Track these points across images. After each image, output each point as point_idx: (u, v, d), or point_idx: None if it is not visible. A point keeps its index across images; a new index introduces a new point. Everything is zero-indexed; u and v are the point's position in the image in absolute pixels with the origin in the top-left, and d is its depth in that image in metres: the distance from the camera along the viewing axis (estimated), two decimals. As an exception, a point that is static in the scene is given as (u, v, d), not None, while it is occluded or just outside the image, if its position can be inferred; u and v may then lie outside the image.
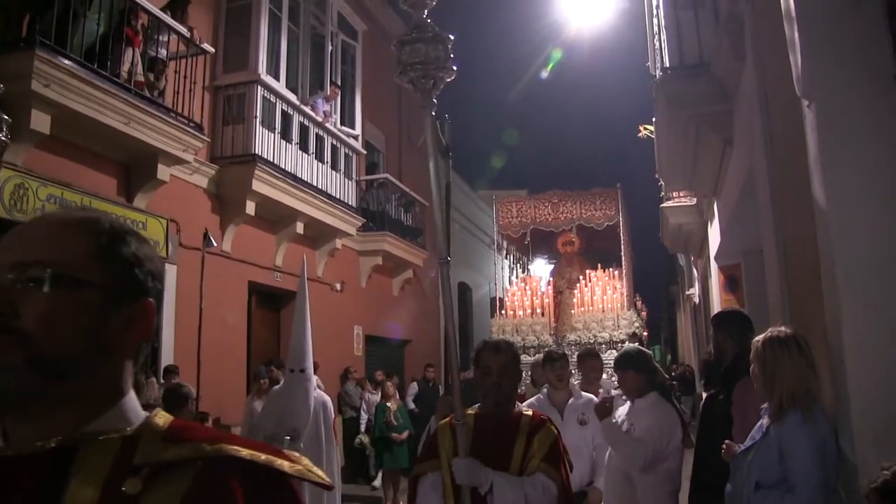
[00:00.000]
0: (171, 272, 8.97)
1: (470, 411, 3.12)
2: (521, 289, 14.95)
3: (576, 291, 14.39)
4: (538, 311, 14.24)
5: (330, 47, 12.06)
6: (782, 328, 3.30)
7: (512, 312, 14.32)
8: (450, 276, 2.87)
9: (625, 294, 14.05)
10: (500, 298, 15.17)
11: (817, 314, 3.34)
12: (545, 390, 5.23)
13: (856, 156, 3.05)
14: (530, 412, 3.14)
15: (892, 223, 2.94)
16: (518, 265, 18.05)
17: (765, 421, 3.19)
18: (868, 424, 2.82)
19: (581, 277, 14.54)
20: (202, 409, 8.07)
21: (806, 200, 3.39)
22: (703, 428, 4.31)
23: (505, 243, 16.60)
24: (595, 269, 14.79)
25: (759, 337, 3.24)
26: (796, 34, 3.32)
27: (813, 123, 3.23)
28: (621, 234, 14.51)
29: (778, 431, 3.04)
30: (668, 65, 6.40)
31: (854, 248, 2.99)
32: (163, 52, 8.56)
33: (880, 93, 3.03)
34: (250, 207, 10.13)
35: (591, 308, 13.77)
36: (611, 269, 14.65)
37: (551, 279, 16.29)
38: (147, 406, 1.12)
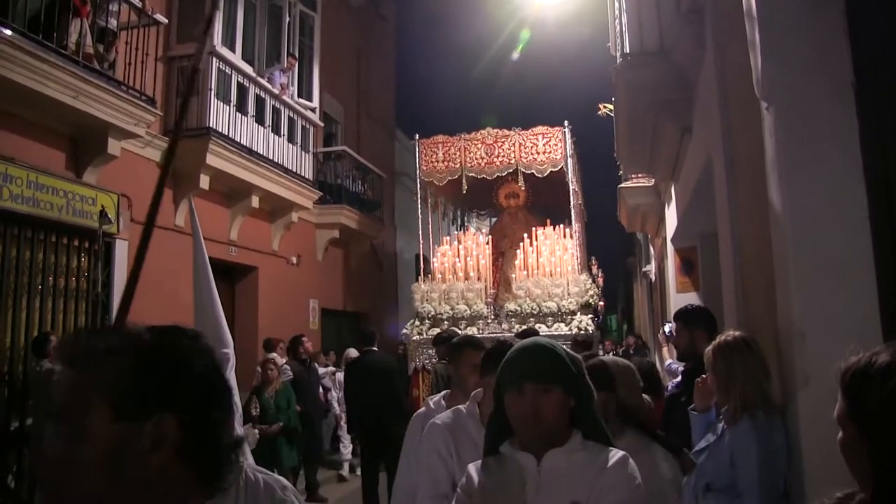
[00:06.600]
0: (121, 248, 8.78)
1: None
2: (452, 248, 12.36)
3: (518, 252, 12.02)
4: (472, 274, 11.74)
5: (288, 18, 11.80)
6: (731, 332, 3.33)
7: (441, 276, 11.81)
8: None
9: (577, 256, 11.85)
10: (423, 257, 12.69)
11: (769, 309, 3.36)
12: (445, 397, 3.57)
13: (813, 161, 3.04)
14: None
15: (847, 229, 2.95)
16: (454, 223, 15.29)
17: (722, 424, 3.23)
18: (817, 432, 2.83)
19: (526, 235, 12.09)
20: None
21: (762, 197, 3.39)
22: (665, 430, 4.21)
23: (439, 198, 13.85)
24: (544, 225, 12.59)
25: (710, 346, 3.28)
26: (757, 35, 3.29)
27: (771, 126, 3.21)
28: (570, 183, 12.06)
29: (731, 436, 3.07)
30: (628, 51, 6.36)
31: (808, 252, 3.00)
32: (113, 23, 8.26)
33: (838, 99, 3.02)
34: (204, 181, 9.92)
35: (535, 272, 11.42)
36: (561, 227, 12.28)
37: (490, 237, 13.50)
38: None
